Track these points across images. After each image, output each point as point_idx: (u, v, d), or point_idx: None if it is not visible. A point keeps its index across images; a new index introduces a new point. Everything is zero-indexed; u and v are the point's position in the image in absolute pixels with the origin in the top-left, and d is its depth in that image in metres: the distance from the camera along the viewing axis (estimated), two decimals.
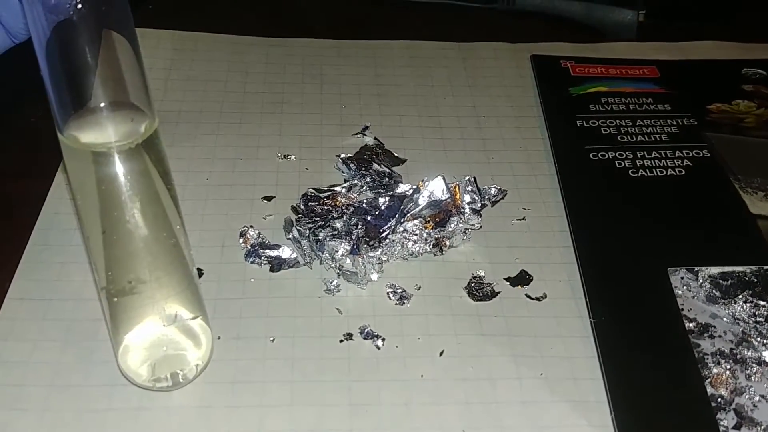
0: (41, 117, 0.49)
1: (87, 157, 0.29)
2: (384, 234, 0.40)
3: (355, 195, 0.43)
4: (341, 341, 0.37)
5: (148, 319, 0.33)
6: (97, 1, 0.25)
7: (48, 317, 0.38)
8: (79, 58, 0.26)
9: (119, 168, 0.29)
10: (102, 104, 0.28)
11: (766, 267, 0.40)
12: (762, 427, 0.33)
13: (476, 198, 0.43)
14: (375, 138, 0.50)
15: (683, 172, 0.47)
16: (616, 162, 0.47)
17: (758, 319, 0.38)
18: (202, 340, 0.35)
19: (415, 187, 0.42)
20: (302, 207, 0.43)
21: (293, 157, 0.48)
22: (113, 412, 0.34)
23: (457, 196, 0.42)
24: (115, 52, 0.27)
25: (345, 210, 0.42)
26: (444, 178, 0.41)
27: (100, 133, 0.28)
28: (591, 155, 0.48)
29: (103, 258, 0.31)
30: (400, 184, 0.44)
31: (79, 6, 0.25)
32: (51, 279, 0.39)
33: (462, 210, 0.42)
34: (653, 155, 0.48)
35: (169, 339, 0.34)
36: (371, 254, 0.40)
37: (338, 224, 0.41)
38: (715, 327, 0.38)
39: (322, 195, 0.43)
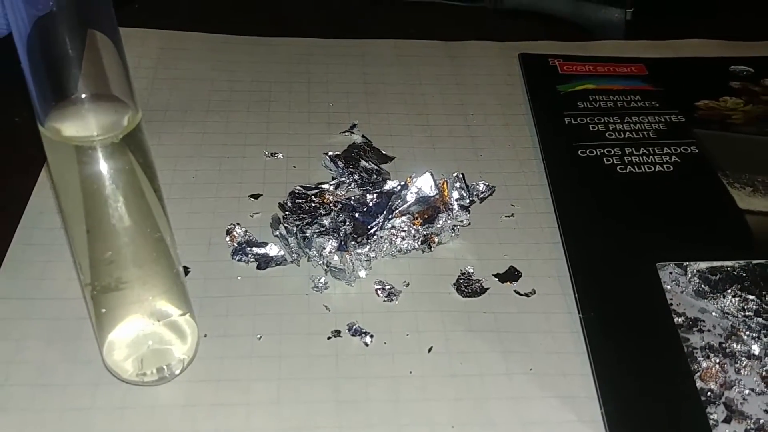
0: (25, 117, 0.49)
1: (69, 151, 0.28)
2: (372, 231, 0.40)
3: (343, 192, 0.43)
4: (329, 338, 0.37)
5: (134, 316, 0.33)
6: None
7: (32, 316, 0.37)
8: (60, 49, 0.26)
9: (102, 161, 0.28)
10: (84, 96, 0.27)
11: (754, 262, 0.40)
12: (752, 421, 0.33)
13: (464, 194, 0.42)
14: (363, 136, 0.49)
15: (671, 168, 0.47)
16: (605, 159, 0.47)
17: (747, 313, 0.38)
18: (188, 336, 0.35)
19: (403, 183, 0.42)
20: (289, 204, 0.42)
21: (280, 155, 0.48)
22: (97, 410, 0.33)
23: (446, 193, 0.42)
24: (96, 44, 0.27)
25: (333, 207, 0.42)
26: (432, 174, 0.41)
27: (82, 125, 0.28)
28: (579, 152, 0.48)
29: (87, 254, 0.31)
30: (388, 181, 0.43)
31: None
32: (35, 278, 0.39)
33: (450, 206, 0.42)
34: (641, 152, 0.48)
35: (155, 334, 0.33)
36: (359, 251, 0.39)
37: (326, 221, 0.40)
38: (704, 321, 0.37)
39: (309, 192, 0.43)
